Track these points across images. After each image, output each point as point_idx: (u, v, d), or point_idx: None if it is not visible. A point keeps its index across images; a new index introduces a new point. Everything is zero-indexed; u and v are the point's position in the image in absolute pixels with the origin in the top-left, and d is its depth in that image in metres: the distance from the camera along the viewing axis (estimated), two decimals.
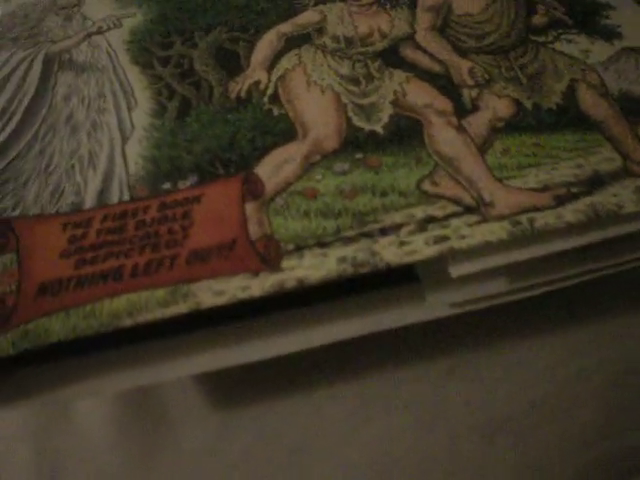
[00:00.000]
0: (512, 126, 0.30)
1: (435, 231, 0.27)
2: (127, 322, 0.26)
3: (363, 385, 0.33)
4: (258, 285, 0.26)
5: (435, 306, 0.29)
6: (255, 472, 0.32)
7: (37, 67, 0.33)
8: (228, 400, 0.33)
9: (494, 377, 0.33)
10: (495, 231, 0.27)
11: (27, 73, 0.33)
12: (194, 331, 0.28)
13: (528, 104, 0.31)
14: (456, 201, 0.28)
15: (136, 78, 0.32)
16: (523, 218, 0.27)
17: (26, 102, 0.32)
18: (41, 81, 0.33)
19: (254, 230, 0.27)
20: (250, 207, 0.28)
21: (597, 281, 0.33)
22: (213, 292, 0.26)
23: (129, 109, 0.31)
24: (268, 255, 0.27)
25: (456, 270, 0.27)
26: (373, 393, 0.33)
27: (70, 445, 0.32)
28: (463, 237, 0.27)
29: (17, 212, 0.29)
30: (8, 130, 0.31)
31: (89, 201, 0.29)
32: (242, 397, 0.33)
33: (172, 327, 0.28)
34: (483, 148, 0.29)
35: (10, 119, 0.31)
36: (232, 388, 0.33)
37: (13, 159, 0.30)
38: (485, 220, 0.27)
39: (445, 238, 0.27)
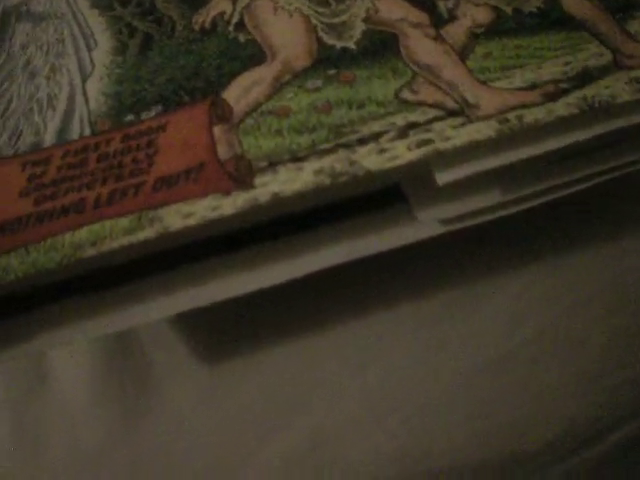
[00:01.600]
0: (492, 31, 0.28)
1: (417, 136, 0.25)
2: (90, 252, 0.24)
3: (360, 326, 0.31)
4: (230, 203, 0.24)
5: (425, 224, 0.27)
6: (248, 431, 0.30)
7: None
8: (216, 355, 0.31)
9: (494, 310, 0.31)
10: (482, 130, 0.25)
11: None
12: (171, 270, 0.26)
13: (508, 9, 0.29)
14: (438, 106, 0.26)
15: (95, 21, 0.31)
16: (511, 116, 0.25)
17: None
18: None
19: (223, 151, 0.26)
20: (219, 130, 0.26)
21: (592, 201, 0.31)
22: (181, 215, 0.24)
23: (89, 50, 0.30)
24: (239, 174, 0.25)
25: (443, 177, 0.25)
26: (368, 336, 0.31)
27: (50, 412, 0.30)
28: (448, 139, 0.25)
29: None
30: None
31: (49, 140, 0.27)
32: (231, 351, 0.31)
33: (148, 269, 0.26)
34: (463, 54, 0.28)
35: None
36: (220, 342, 0.31)
37: None
38: (470, 121, 0.25)
39: (429, 141, 0.25)
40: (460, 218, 0.26)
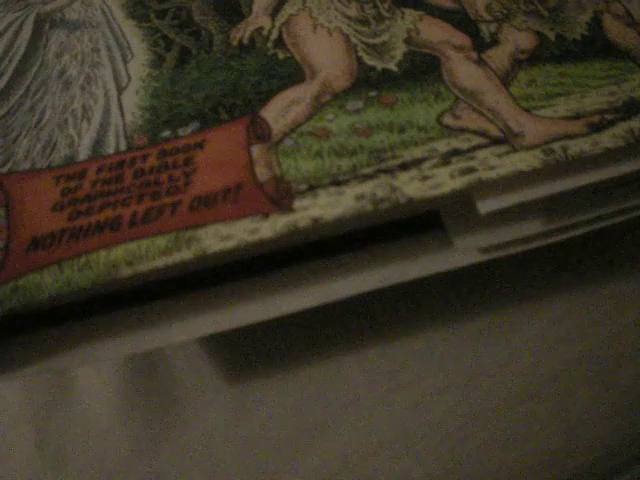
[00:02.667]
0: (536, 57, 0.28)
1: (460, 163, 0.25)
2: (126, 272, 0.23)
3: (392, 349, 0.30)
4: (269, 227, 0.24)
5: (463, 252, 0.26)
6: (275, 450, 0.29)
7: (27, 28, 0.31)
8: (243, 372, 0.31)
9: (531, 335, 0.30)
10: (527, 160, 0.25)
11: (17, 34, 0.31)
12: (200, 290, 0.26)
13: (551, 35, 0.28)
14: (482, 133, 0.26)
15: (132, 32, 0.30)
16: (556, 146, 0.25)
17: (16, 61, 0.30)
18: (31, 41, 0.31)
19: (262, 172, 0.25)
20: (257, 150, 0.26)
21: (636, 230, 0.31)
22: (220, 237, 0.24)
23: (125, 61, 0.29)
24: (278, 196, 0.24)
25: (485, 206, 0.25)
26: (403, 357, 0.30)
27: (73, 426, 0.30)
28: (492, 168, 0.24)
29: (6, 168, 0.27)
30: None
31: (83, 153, 0.27)
32: (258, 368, 0.31)
33: (177, 288, 0.26)
34: (506, 80, 0.27)
35: (0, 77, 0.30)
36: (247, 359, 0.31)
37: (2, 117, 0.28)
38: (515, 150, 0.25)
39: (472, 170, 0.24)
40: (500, 247, 0.26)
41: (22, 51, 0.30)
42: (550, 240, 0.26)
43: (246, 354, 0.31)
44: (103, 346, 0.26)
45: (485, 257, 0.26)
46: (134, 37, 0.30)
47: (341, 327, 0.31)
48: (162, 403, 0.30)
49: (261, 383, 0.30)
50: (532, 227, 0.26)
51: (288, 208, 0.24)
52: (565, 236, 0.26)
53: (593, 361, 0.30)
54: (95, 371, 0.31)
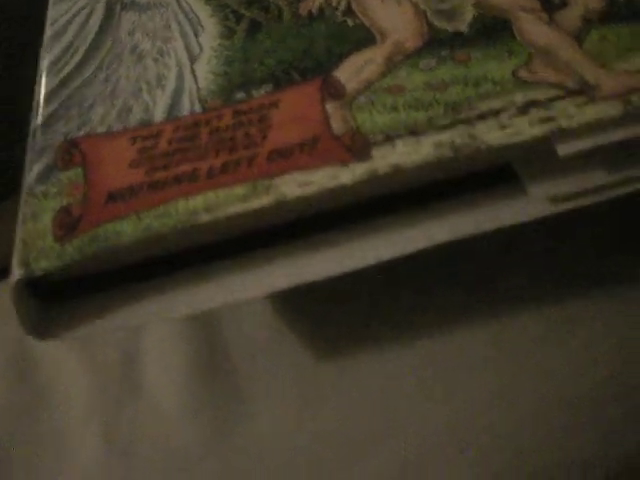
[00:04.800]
0: (606, 17, 0.28)
1: (539, 113, 0.24)
2: (205, 218, 0.23)
3: (446, 349, 0.30)
4: (348, 174, 0.24)
5: (535, 202, 0.26)
6: (342, 444, 0.29)
7: (99, 10, 0.32)
8: (310, 369, 0.30)
9: (580, 345, 0.29)
10: (605, 110, 0.24)
11: (89, 16, 0.32)
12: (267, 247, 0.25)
13: None
14: (558, 85, 0.25)
15: (201, 8, 0.31)
16: (634, 97, 0.25)
17: (89, 39, 0.31)
18: (104, 20, 0.32)
19: (337, 126, 0.25)
20: (331, 106, 0.26)
21: None
22: (298, 184, 0.24)
23: (196, 35, 0.30)
24: (355, 146, 0.24)
25: (564, 149, 0.24)
26: (453, 363, 0.29)
27: (142, 420, 0.30)
28: (571, 116, 0.24)
29: (83, 132, 0.27)
30: (72, 63, 0.30)
31: (158, 116, 0.27)
32: (325, 367, 0.30)
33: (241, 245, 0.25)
34: (579, 38, 0.27)
35: (74, 53, 0.30)
36: (314, 356, 0.30)
37: (77, 87, 0.29)
38: (593, 101, 0.25)
39: (551, 119, 0.24)
40: (570, 197, 0.25)
41: (95, 29, 0.31)
42: (616, 192, 0.26)
43: (314, 349, 0.30)
44: (167, 303, 0.25)
45: (556, 208, 0.26)
46: (203, 12, 0.31)
47: (399, 323, 0.30)
48: (230, 398, 0.30)
49: (328, 381, 0.30)
50: (601, 177, 0.25)
51: (366, 156, 0.24)
52: (630, 189, 0.26)
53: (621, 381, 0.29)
54: (163, 366, 0.31)
